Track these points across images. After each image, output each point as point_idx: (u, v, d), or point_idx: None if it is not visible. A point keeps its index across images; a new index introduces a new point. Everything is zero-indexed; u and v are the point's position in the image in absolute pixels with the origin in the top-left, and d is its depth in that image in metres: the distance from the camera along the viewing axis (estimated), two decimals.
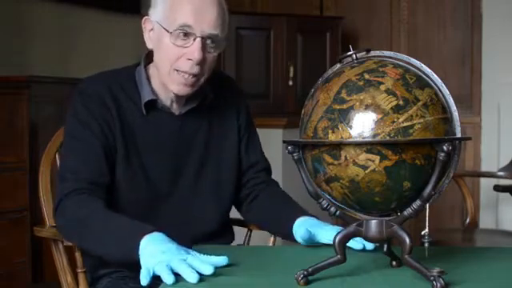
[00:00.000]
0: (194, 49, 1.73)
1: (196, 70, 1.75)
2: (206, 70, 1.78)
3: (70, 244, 1.80)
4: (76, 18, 4.46)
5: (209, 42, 1.75)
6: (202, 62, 1.75)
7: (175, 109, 1.86)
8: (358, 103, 1.30)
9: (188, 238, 1.73)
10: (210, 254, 1.47)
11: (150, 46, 1.83)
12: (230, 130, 1.94)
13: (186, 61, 1.74)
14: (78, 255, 1.82)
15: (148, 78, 1.84)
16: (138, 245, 1.51)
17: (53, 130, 2.11)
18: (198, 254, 1.47)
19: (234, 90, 2.00)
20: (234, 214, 2.03)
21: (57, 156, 2.04)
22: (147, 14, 1.82)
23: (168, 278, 1.37)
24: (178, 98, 1.83)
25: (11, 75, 3.66)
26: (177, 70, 1.75)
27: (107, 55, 4.54)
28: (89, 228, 1.66)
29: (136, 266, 1.83)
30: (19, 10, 4.07)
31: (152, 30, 1.81)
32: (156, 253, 1.46)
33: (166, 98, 1.84)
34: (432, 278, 1.28)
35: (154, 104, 1.83)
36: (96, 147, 1.77)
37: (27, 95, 3.54)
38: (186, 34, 1.73)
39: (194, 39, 1.73)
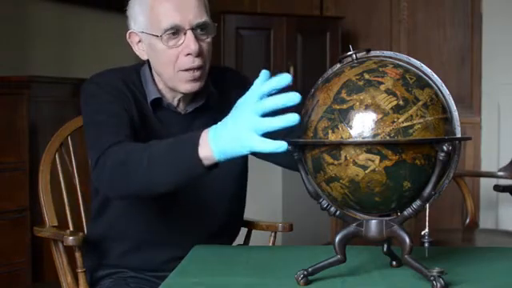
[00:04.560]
0: (188, 42, 1.72)
1: (198, 62, 1.74)
2: (206, 59, 1.77)
3: (70, 244, 1.80)
4: (76, 18, 4.47)
5: (198, 30, 1.74)
6: (200, 53, 1.74)
7: (181, 108, 1.84)
8: (357, 103, 1.30)
9: (202, 233, 1.77)
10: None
11: (144, 57, 1.81)
12: None
13: (185, 57, 1.73)
14: (78, 255, 1.82)
15: (153, 78, 1.82)
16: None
17: (53, 130, 2.11)
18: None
19: (236, 81, 1.95)
20: None
21: (56, 156, 2.04)
22: (129, 28, 1.81)
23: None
24: (185, 96, 1.82)
25: (11, 75, 3.67)
26: (181, 70, 1.74)
27: (107, 55, 4.54)
28: (141, 154, 1.51)
29: (137, 265, 1.84)
30: (19, 10, 4.08)
31: (140, 41, 1.80)
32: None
33: (172, 98, 1.82)
34: (432, 277, 1.28)
35: (159, 103, 1.81)
36: (122, 117, 1.72)
37: (27, 95, 3.55)
38: (176, 32, 1.72)
39: (185, 33, 1.72)
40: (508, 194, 3.54)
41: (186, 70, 1.74)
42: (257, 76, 1.31)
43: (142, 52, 1.81)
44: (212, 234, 1.87)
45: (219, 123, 1.38)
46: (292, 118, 1.25)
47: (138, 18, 1.77)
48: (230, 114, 1.36)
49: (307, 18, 4.90)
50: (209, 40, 1.77)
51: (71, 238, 1.79)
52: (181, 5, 1.72)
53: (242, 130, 1.30)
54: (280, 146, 1.27)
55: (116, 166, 1.55)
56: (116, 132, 1.67)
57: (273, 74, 1.31)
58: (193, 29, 1.72)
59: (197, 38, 1.73)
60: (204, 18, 1.74)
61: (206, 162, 1.38)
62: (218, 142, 1.35)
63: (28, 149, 3.53)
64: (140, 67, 1.86)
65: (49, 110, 3.69)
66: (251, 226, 2.13)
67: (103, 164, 1.58)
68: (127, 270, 1.84)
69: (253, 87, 1.31)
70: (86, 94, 1.79)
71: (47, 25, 4.27)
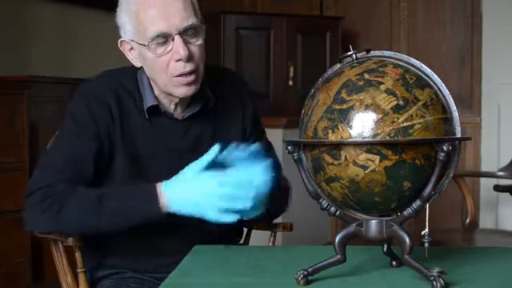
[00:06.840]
0: (177, 48, 1.68)
1: (190, 66, 1.70)
2: (199, 61, 1.73)
3: (70, 244, 1.80)
4: (76, 18, 4.47)
5: (187, 34, 1.70)
6: (191, 57, 1.70)
7: (178, 113, 1.82)
8: (358, 103, 1.30)
9: (201, 237, 1.74)
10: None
11: (137, 64, 1.79)
12: (234, 133, 1.88)
13: (176, 63, 1.70)
14: (78, 255, 1.82)
15: (149, 83, 1.80)
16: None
17: (53, 130, 2.10)
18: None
19: (235, 83, 1.93)
20: None
21: None
22: (120, 36, 1.78)
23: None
24: (182, 100, 1.79)
25: (11, 75, 3.66)
26: (174, 76, 1.71)
27: (107, 55, 4.54)
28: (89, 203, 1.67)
29: (138, 267, 1.84)
30: (19, 9, 4.08)
31: (132, 49, 1.77)
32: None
33: (168, 103, 1.80)
34: (432, 277, 1.28)
35: (156, 109, 1.79)
36: (86, 150, 1.73)
37: (27, 95, 3.54)
38: (164, 40, 1.69)
39: (173, 39, 1.69)
40: (508, 193, 3.54)
41: (179, 75, 1.71)
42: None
43: (134, 60, 1.79)
44: (213, 237, 1.86)
45: (173, 180, 1.65)
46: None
47: (126, 27, 1.75)
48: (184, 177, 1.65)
49: (307, 18, 4.90)
50: (199, 42, 1.72)
51: (71, 237, 1.79)
52: (166, 10, 1.68)
53: (206, 204, 1.62)
54: (233, 218, 1.62)
55: (65, 207, 1.67)
56: (60, 173, 1.70)
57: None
58: (180, 33, 1.68)
59: (186, 43, 1.69)
60: (191, 21, 1.70)
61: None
62: (175, 202, 1.64)
63: (28, 149, 3.53)
64: (137, 70, 1.83)
65: (49, 110, 3.69)
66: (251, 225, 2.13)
67: (42, 199, 1.67)
68: (127, 270, 1.84)
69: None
70: (73, 104, 1.81)
71: (47, 24, 4.27)
